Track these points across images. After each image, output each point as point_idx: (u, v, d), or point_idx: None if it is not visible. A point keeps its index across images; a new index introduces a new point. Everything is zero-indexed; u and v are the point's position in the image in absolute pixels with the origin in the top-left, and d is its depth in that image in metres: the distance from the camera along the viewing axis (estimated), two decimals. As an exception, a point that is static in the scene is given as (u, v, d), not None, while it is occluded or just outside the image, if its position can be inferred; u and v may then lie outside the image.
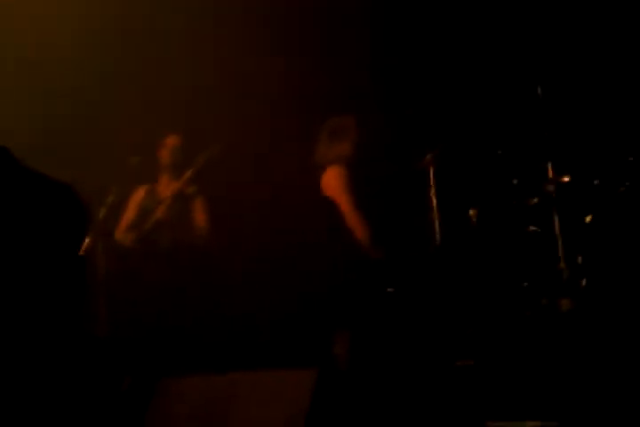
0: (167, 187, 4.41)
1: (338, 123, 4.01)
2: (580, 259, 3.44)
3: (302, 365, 3.19)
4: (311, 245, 3.95)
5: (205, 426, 3.11)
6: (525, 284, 3.53)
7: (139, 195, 4.45)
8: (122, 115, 4.71)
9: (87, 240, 3.93)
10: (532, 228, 3.68)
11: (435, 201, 3.95)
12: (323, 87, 4.67)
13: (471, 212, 3.81)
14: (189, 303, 4.11)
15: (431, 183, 3.96)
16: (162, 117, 4.63)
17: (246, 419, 3.02)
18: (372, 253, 3.73)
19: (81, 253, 3.82)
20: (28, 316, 1.86)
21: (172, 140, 4.40)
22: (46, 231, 1.86)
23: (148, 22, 4.75)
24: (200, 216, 4.31)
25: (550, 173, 3.66)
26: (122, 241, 4.36)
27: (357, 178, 3.89)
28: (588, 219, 3.55)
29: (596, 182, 3.54)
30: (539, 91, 3.86)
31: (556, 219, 3.56)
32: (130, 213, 4.43)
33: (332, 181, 3.84)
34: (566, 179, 3.59)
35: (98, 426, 3.15)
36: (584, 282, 3.36)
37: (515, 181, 3.72)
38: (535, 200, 3.65)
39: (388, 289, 3.77)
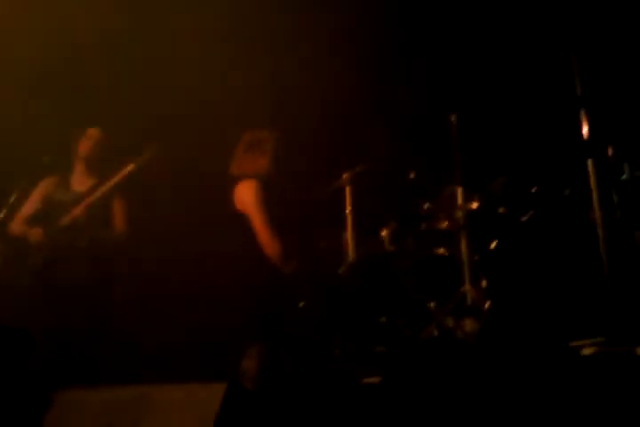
0: (83, 181, 4.18)
1: (255, 136, 4.02)
2: (484, 282, 3.61)
3: (213, 379, 3.20)
4: (225, 257, 3.96)
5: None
6: (432, 304, 3.67)
7: (46, 186, 4.19)
8: (27, 113, 4.59)
9: None
10: (440, 251, 3.83)
11: (350, 219, 4.06)
12: (248, 100, 4.72)
13: (383, 232, 3.93)
14: (99, 308, 3.97)
15: (347, 202, 4.06)
16: (72, 114, 4.53)
17: (152, 432, 3.00)
18: (283, 267, 3.78)
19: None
20: None
21: (94, 133, 4.21)
22: None
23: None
24: (120, 217, 4.15)
25: (459, 200, 3.82)
26: (21, 234, 4.04)
27: (272, 193, 3.93)
28: (492, 244, 3.72)
29: (501, 210, 3.73)
30: (452, 118, 4.03)
31: (463, 243, 3.72)
32: (33, 204, 4.12)
33: (245, 196, 3.84)
34: (474, 205, 3.76)
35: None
36: (487, 304, 3.52)
37: (426, 206, 3.86)
38: (444, 224, 3.81)
39: (300, 304, 3.83)
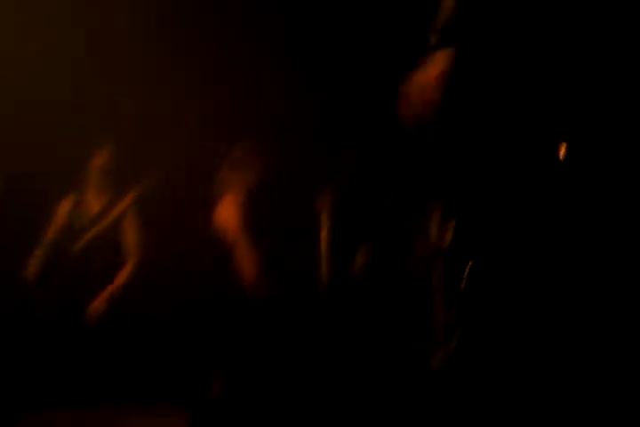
0: (99, 200, 4.03)
1: (240, 150, 4.02)
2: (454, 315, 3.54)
3: (174, 400, 3.20)
4: (196, 274, 3.94)
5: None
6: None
7: (62, 213, 4.02)
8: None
9: None
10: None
11: (325, 242, 4.01)
12: (233, 114, 4.65)
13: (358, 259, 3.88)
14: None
15: (323, 225, 4.01)
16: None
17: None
18: (257, 290, 3.76)
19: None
20: None
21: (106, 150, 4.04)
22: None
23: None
24: (133, 237, 4.00)
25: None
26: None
27: (252, 210, 3.91)
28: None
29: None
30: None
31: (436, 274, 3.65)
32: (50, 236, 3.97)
33: (226, 212, 3.85)
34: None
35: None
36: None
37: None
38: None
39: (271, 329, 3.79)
